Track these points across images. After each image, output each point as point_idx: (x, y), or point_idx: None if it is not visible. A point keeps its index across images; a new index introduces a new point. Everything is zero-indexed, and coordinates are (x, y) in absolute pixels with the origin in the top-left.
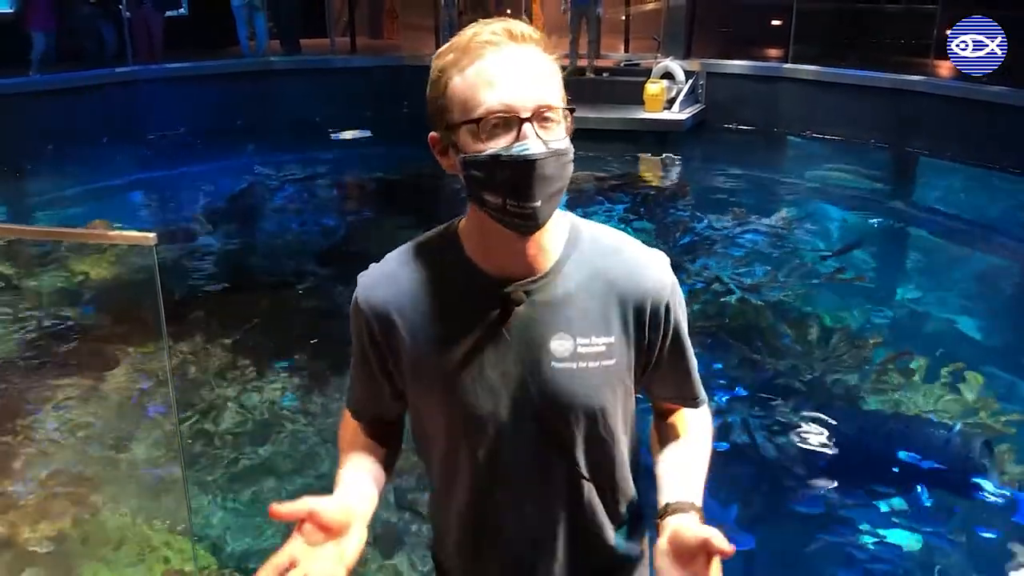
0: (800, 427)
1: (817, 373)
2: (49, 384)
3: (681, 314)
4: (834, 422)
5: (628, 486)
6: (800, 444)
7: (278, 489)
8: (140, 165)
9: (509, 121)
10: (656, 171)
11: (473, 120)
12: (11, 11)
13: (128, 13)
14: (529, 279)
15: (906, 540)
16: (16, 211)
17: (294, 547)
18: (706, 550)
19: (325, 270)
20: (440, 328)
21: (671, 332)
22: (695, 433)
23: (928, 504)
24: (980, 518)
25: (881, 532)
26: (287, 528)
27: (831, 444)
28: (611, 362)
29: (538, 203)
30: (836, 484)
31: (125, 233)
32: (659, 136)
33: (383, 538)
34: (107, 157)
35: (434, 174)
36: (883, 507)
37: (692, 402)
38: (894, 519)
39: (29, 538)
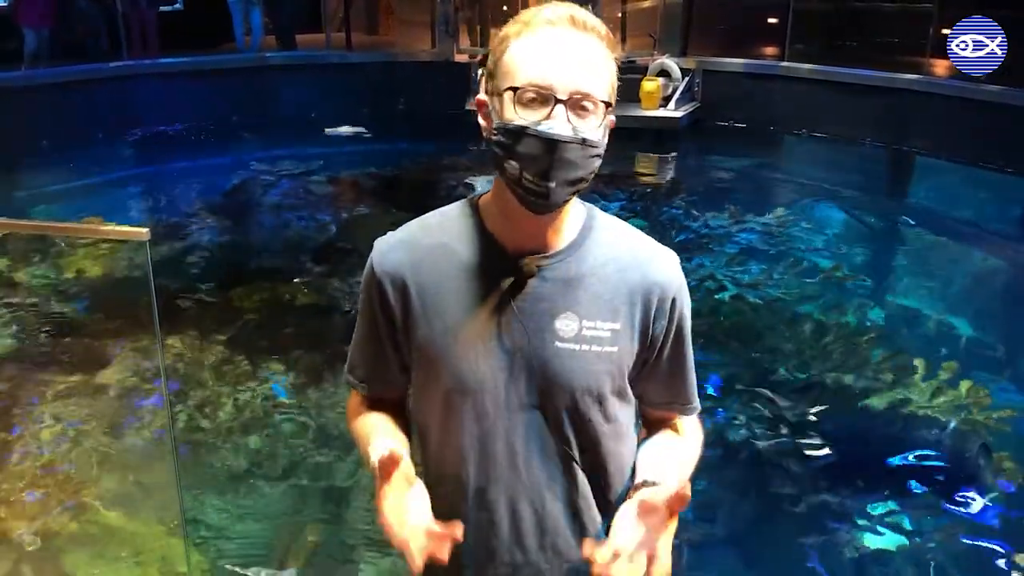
0: (794, 425)
1: (812, 371)
2: (42, 380)
3: (687, 315)
4: (829, 420)
5: (624, 486)
6: (794, 442)
7: (271, 484)
8: (134, 160)
9: (545, 97)
10: (652, 169)
11: (513, 88)
12: (4, 4)
13: (122, 8)
14: (543, 255)
15: (901, 538)
16: (9, 206)
17: (393, 501)
18: (668, 506)
19: (320, 266)
20: (452, 294)
21: (674, 329)
22: (686, 435)
23: (923, 502)
24: (975, 516)
25: (875, 530)
26: (279, 523)
27: (826, 442)
28: (613, 349)
29: (553, 184)
30: (830, 482)
31: (119, 228)
32: (655, 134)
33: (377, 534)
34: (101, 152)
35: (430, 170)
36: (877, 505)
37: (686, 408)
38: (888, 517)
39: (21, 535)
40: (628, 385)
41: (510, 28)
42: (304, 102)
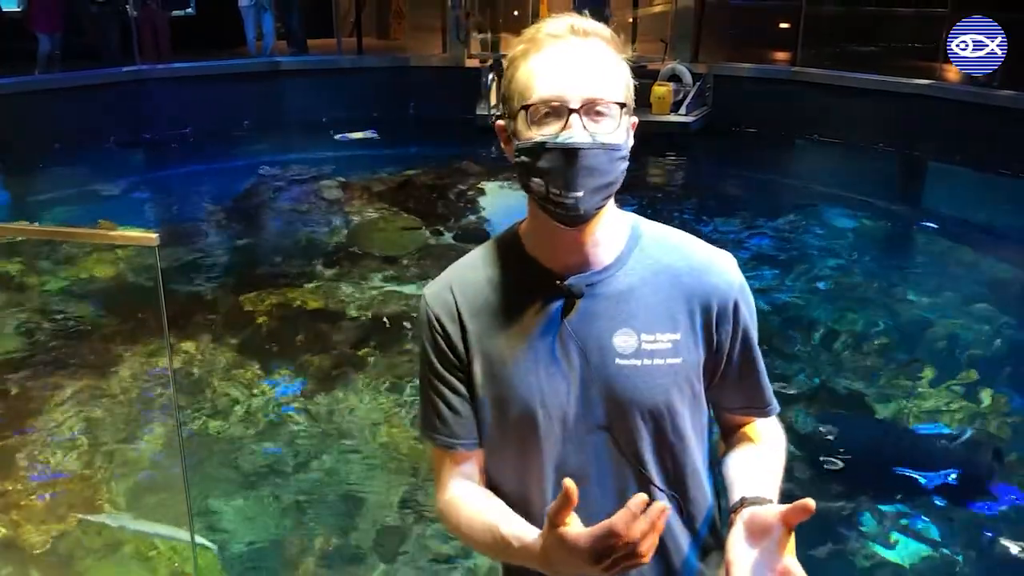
0: (806, 432)
1: (824, 378)
2: (52, 384)
3: (752, 316)
4: (840, 427)
5: (704, 499)
6: (805, 449)
7: (280, 490)
8: (145, 165)
9: (559, 110)
10: (662, 173)
11: (526, 107)
12: (18, 9)
13: (135, 12)
14: (590, 272)
15: (912, 547)
16: (22, 210)
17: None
18: (785, 521)
19: (330, 271)
20: (505, 325)
21: (740, 333)
22: (768, 440)
23: (935, 510)
24: (987, 525)
25: (887, 539)
26: (288, 528)
27: (837, 449)
28: (677, 361)
29: (580, 193)
30: (841, 489)
31: (128, 233)
32: (666, 138)
33: (386, 540)
34: (113, 157)
35: (440, 174)
36: (889, 513)
37: (763, 410)
38: (900, 526)
39: (32, 538)
40: (702, 395)
41: (516, 49)
42: (315, 106)
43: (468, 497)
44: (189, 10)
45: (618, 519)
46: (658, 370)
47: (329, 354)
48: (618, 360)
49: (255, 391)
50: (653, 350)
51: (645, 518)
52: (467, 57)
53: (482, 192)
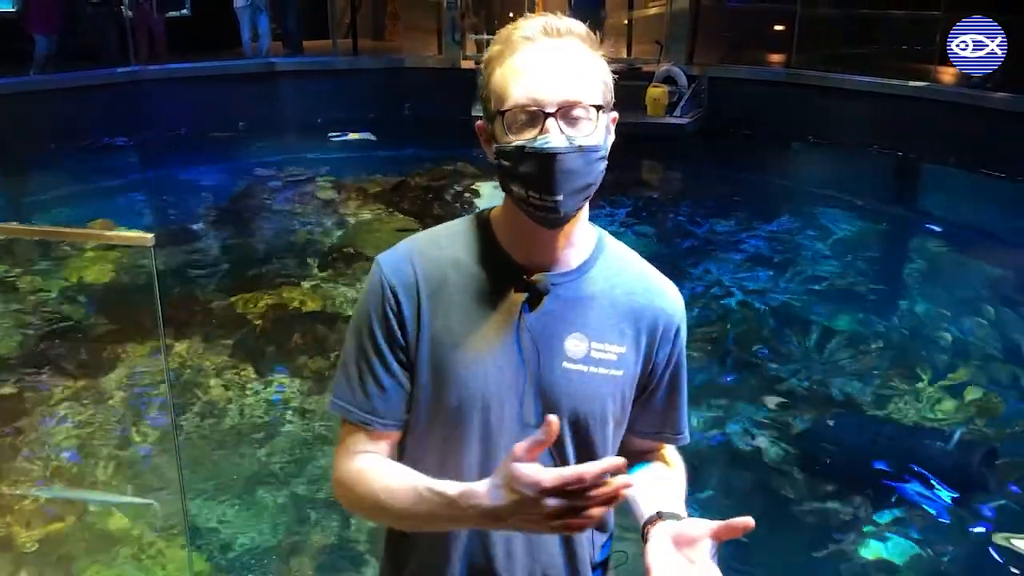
0: (800, 433)
1: (818, 379)
2: (46, 384)
3: (684, 346)
4: (835, 428)
5: (609, 512)
6: (800, 450)
7: (275, 491)
8: (140, 165)
9: (534, 115)
10: (658, 176)
11: (502, 111)
12: (13, 10)
13: (130, 13)
14: (556, 272)
15: (905, 547)
16: (16, 210)
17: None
18: (718, 535)
19: (325, 272)
20: (462, 309)
21: (675, 360)
22: (678, 467)
23: (929, 510)
24: (981, 525)
25: (880, 539)
26: (283, 530)
27: (831, 450)
28: (619, 373)
29: (560, 197)
30: (836, 490)
31: (123, 233)
32: (661, 140)
33: (381, 540)
34: (108, 157)
35: (435, 176)
36: (883, 514)
37: (676, 437)
38: (895, 525)
39: (25, 540)
40: (628, 412)
41: (492, 50)
42: (310, 107)
43: (384, 463)
44: (184, 11)
45: (590, 468)
46: (601, 379)
47: (324, 355)
48: (565, 363)
49: (248, 392)
50: (600, 359)
51: (613, 483)
52: (462, 58)
53: (477, 193)
